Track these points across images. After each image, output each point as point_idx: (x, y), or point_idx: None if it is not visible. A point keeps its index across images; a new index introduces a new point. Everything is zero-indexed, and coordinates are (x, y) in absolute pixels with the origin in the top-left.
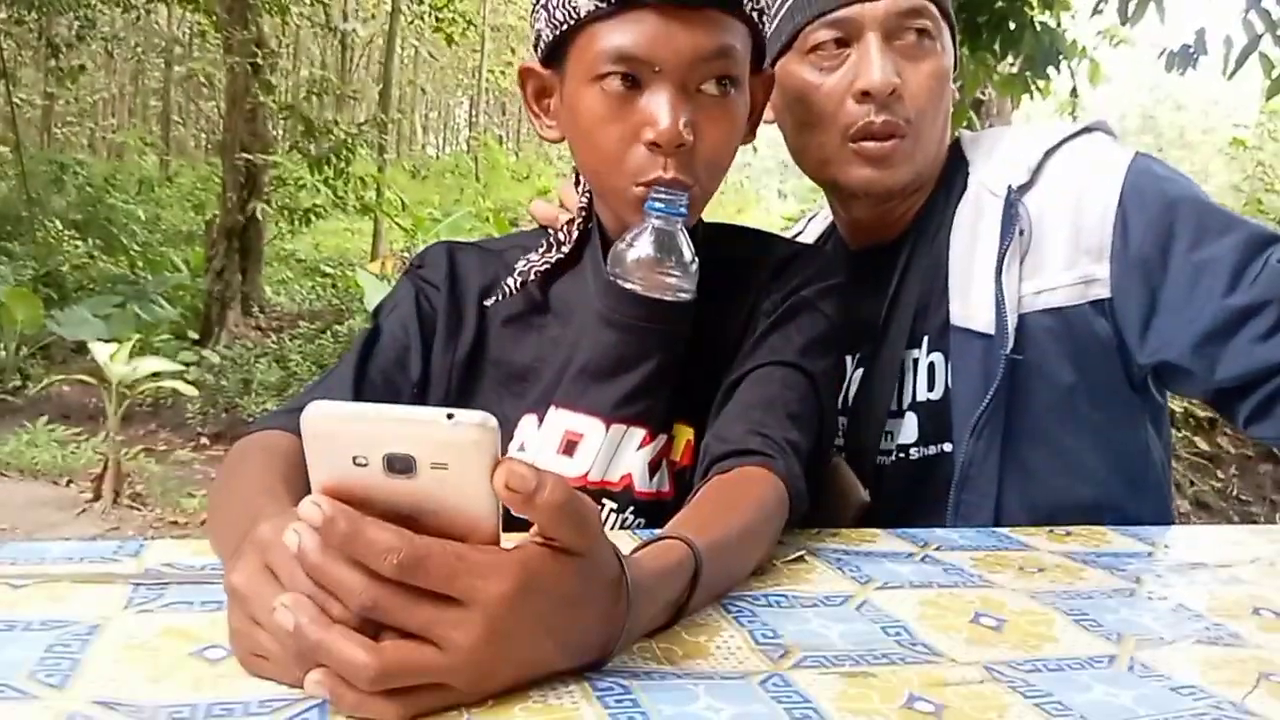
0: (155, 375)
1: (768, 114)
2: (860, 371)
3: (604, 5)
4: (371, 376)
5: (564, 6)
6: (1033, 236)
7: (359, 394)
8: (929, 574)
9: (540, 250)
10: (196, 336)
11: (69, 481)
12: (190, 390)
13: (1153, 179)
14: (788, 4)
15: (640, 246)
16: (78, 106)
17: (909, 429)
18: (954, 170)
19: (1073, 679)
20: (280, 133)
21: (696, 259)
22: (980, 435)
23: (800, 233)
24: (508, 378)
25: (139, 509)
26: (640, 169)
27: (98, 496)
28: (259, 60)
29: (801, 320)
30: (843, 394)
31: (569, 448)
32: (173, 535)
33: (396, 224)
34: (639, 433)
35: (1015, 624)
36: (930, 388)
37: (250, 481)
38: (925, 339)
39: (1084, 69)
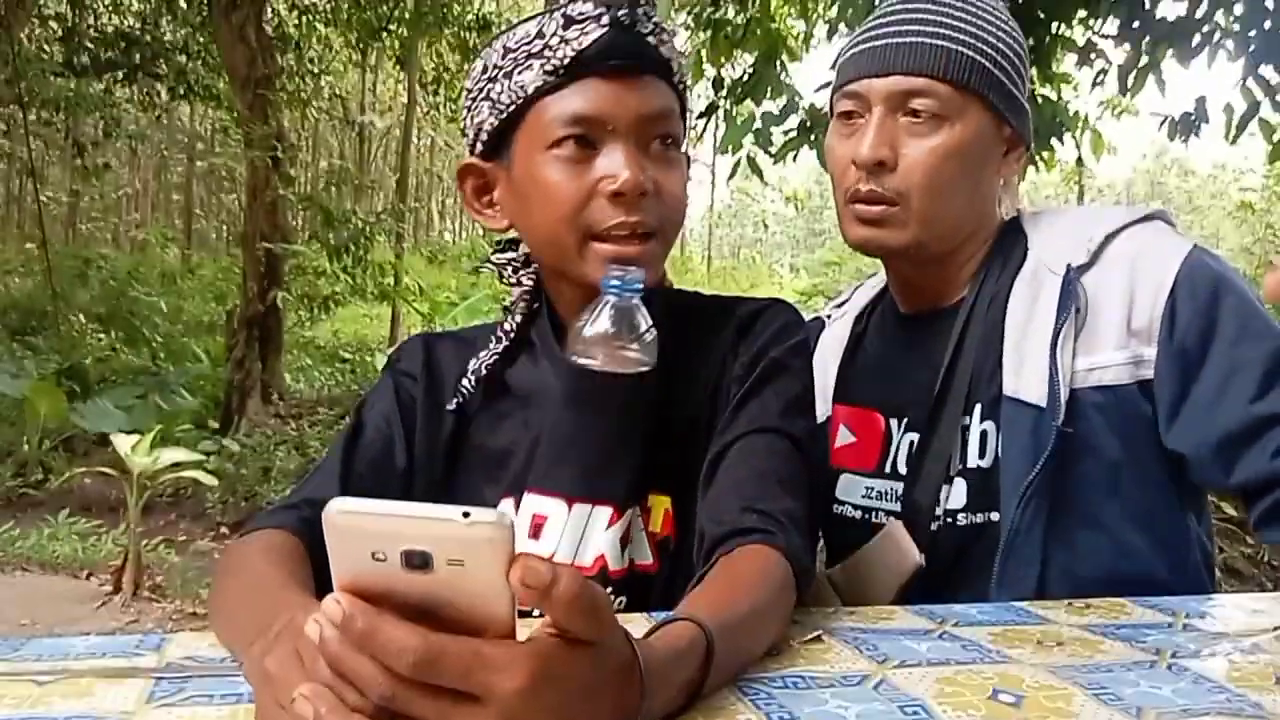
0: (176, 465)
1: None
2: (914, 436)
3: (553, 78)
4: (358, 469)
5: (509, 90)
6: (1088, 315)
7: (346, 487)
8: (947, 651)
9: (490, 346)
10: (217, 426)
11: (89, 574)
12: (210, 480)
13: (1206, 272)
14: (837, 75)
15: (599, 324)
16: (102, 203)
17: (958, 495)
18: (1012, 242)
19: None
20: (300, 223)
21: (654, 330)
22: (1027, 505)
23: (847, 299)
24: (487, 462)
25: (159, 601)
26: (600, 219)
27: (118, 589)
28: (279, 154)
29: (777, 384)
30: (891, 456)
31: (536, 530)
32: (192, 627)
33: (414, 309)
34: (605, 511)
35: (1034, 700)
36: (981, 455)
37: (263, 575)
38: (978, 407)
39: (1087, 139)
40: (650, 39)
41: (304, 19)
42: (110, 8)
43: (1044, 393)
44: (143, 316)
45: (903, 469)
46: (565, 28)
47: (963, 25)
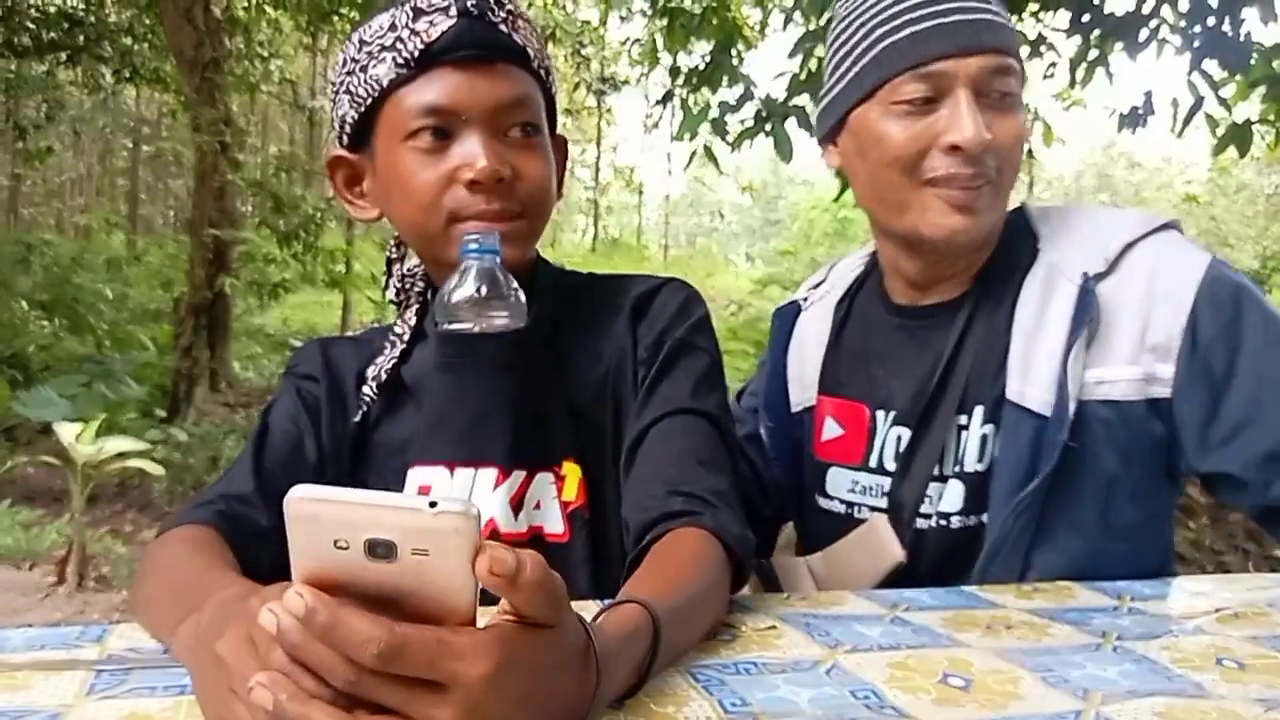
0: (122, 455)
1: (834, 159)
2: (902, 431)
3: (404, 70)
4: (269, 467)
5: (365, 83)
6: (1100, 326)
7: (260, 483)
8: (898, 636)
9: (386, 351)
10: (164, 414)
11: (32, 565)
12: (157, 470)
13: (1227, 286)
14: (871, 55)
15: (463, 288)
16: (45, 187)
17: (953, 497)
18: (1019, 240)
19: None
20: (249, 209)
21: (519, 290)
22: (1021, 514)
23: (821, 281)
24: (388, 455)
25: (104, 591)
26: (461, 206)
27: (62, 580)
28: (227, 138)
29: (684, 362)
30: (877, 450)
31: None
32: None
33: (366, 297)
34: (489, 473)
35: (983, 683)
36: (980, 459)
37: (188, 563)
38: (979, 409)
39: (1037, 130)
40: (503, 27)
41: (252, 1)
42: None
43: (1049, 401)
44: (87, 303)
45: (889, 464)
46: (415, 19)
47: (996, 2)
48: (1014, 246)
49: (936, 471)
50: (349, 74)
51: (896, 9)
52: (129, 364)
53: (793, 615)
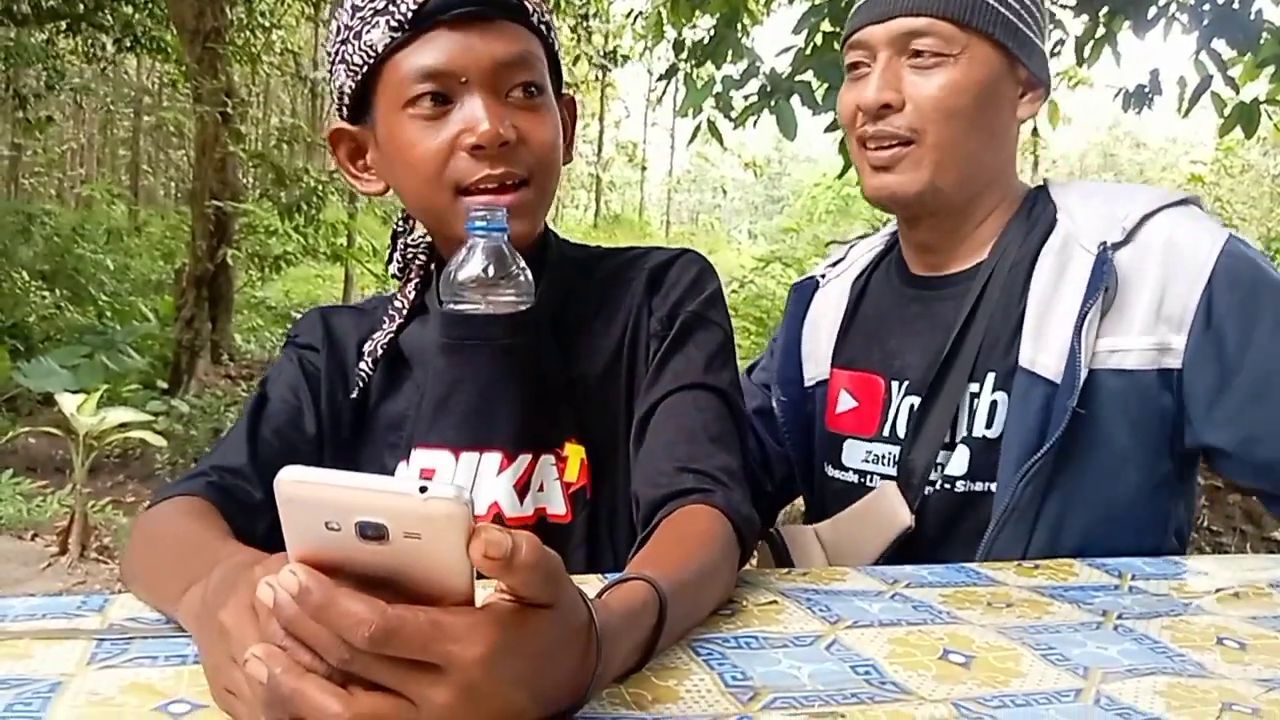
0: (123, 426)
1: None
2: (915, 399)
3: (399, 33)
4: (265, 436)
5: (360, 50)
6: (1117, 295)
7: (255, 454)
8: (898, 612)
9: (385, 325)
10: (166, 386)
11: (34, 535)
12: (159, 441)
13: (1246, 263)
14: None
15: (469, 267)
16: (45, 157)
17: (959, 462)
18: (1039, 210)
19: (1040, 714)
20: (250, 180)
21: (526, 269)
22: (1029, 483)
23: (842, 258)
24: (387, 430)
25: (106, 562)
26: (465, 174)
27: (64, 550)
28: (229, 109)
29: (697, 337)
30: (890, 419)
31: None
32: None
33: (368, 270)
34: (494, 457)
35: (983, 660)
36: (989, 425)
37: (186, 531)
38: (991, 376)
39: (1044, 110)
40: None
41: None
42: None
43: (1060, 369)
44: (88, 274)
45: (901, 432)
46: None
47: None
48: (1033, 216)
49: (947, 439)
50: (343, 42)
51: None
52: (130, 335)
53: (794, 590)
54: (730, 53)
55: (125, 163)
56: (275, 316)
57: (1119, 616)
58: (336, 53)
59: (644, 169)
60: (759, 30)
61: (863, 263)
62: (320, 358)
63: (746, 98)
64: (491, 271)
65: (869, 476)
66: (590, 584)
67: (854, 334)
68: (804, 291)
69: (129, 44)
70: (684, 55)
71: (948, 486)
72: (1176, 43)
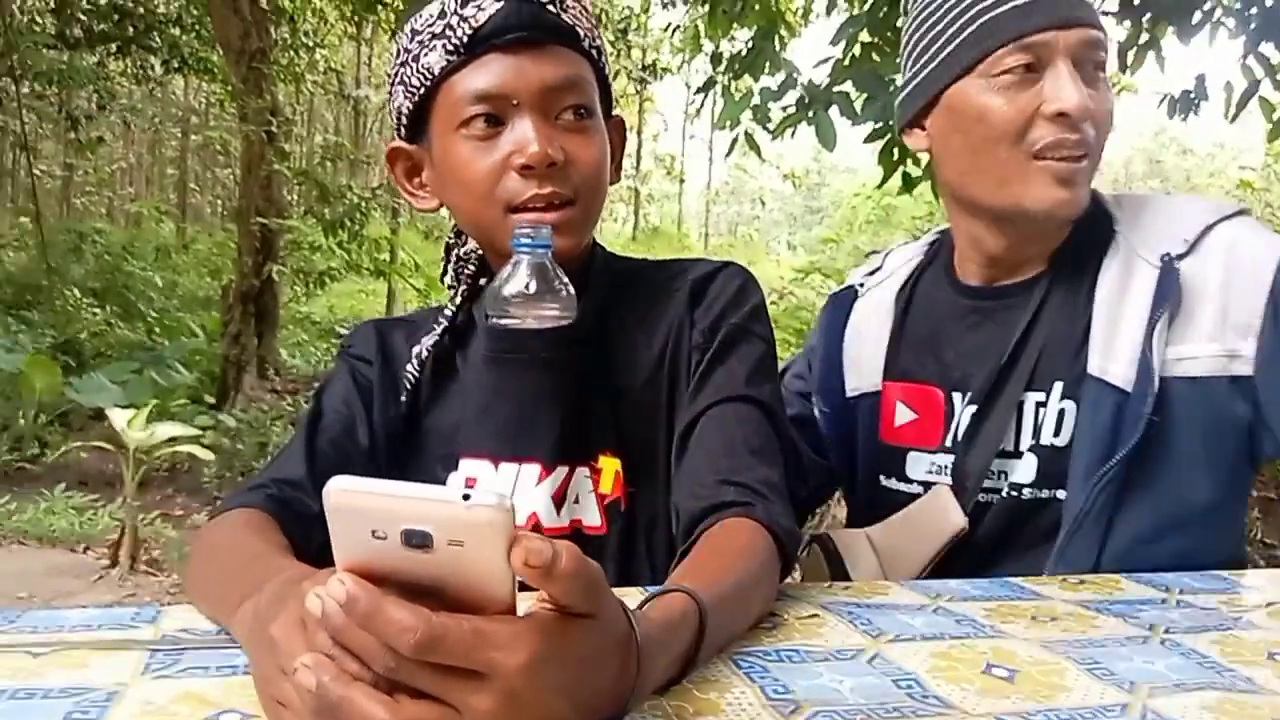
0: (172, 440)
1: (920, 141)
2: (973, 408)
3: (454, 57)
4: (322, 448)
5: (418, 73)
6: (1182, 303)
7: (312, 466)
8: (941, 625)
9: (432, 332)
10: (213, 401)
11: (86, 548)
12: (206, 455)
13: None
14: (970, 30)
15: (514, 283)
16: (96, 177)
17: (1025, 469)
18: (1096, 222)
19: None
20: (295, 198)
21: (569, 285)
22: (1103, 489)
23: (878, 268)
24: (437, 442)
25: (155, 574)
26: (514, 193)
27: (114, 563)
28: (274, 128)
29: (740, 350)
30: (953, 430)
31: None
32: (188, 600)
33: (410, 284)
34: (532, 468)
35: (1027, 674)
36: (1056, 433)
37: (245, 544)
38: (1059, 385)
39: None
40: (551, 8)
41: None
42: None
43: (1130, 377)
44: (138, 291)
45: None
46: (463, 5)
47: None
48: (1090, 229)
49: (1011, 446)
50: (402, 65)
51: None
52: (178, 351)
53: (835, 604)
54: (768, 64)
55: (173, 181)
56: (320, 331)
57: (1166, 630)
58: (396, 75)
59: (682, 181)
60: (796, 42)
61: (904, 273)
62: (373, 370)
63: (785, 109)
64: (535, 287)
65: (931, 488)
66: (631, 596)
67: (905, 346)
68: (843, 301)
69: (176, 65)
70: (721, 68)
71: (1014, 494)
72: (1223, 47)
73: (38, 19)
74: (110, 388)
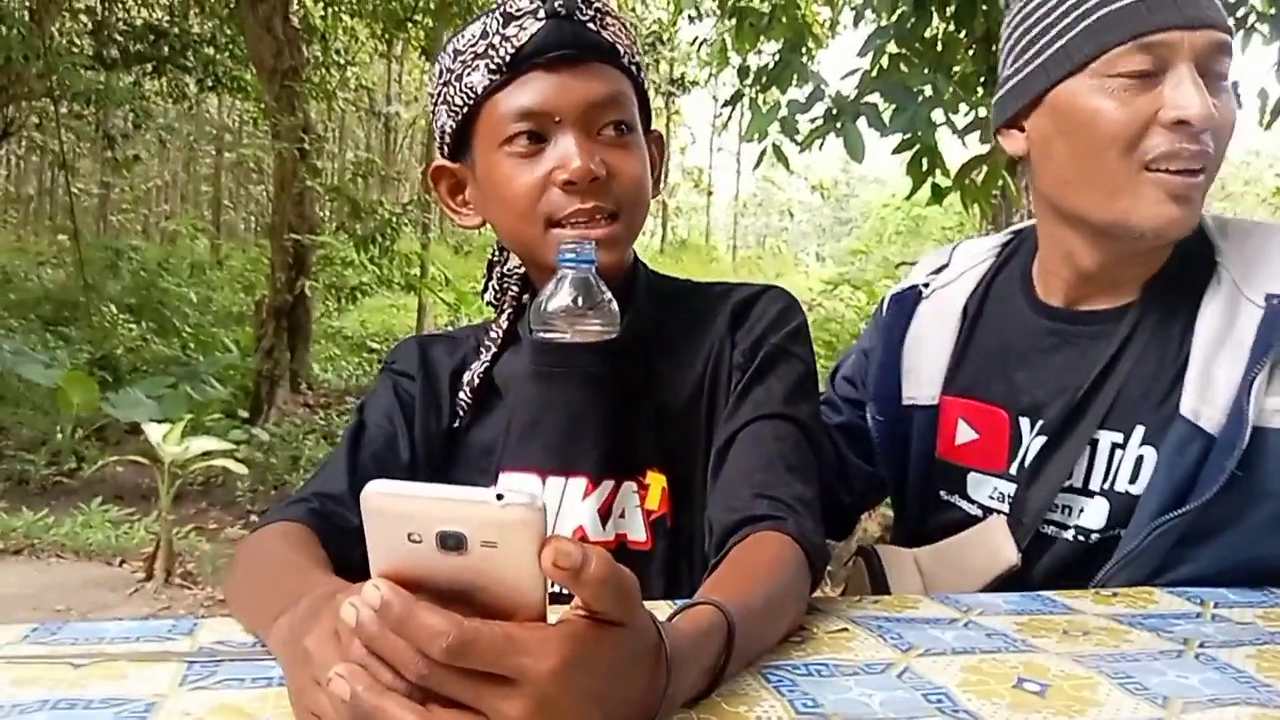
0: (207, 454)
1: (1018, 144)
2: (1042, 439)
3: (497, 76)
4: (363, 462)
5: (461, 92)
6: None
7: (353, 480)
8: (971, 640)
9: (481, 354)
10: (246, 415)
11: (122, 561)
12: (240, 469)
13: None
14: (1084, 24)
15: (558, 297)
16: (132, 194)
17: (1097, 513)
18: (1196, 251)
19: None
20: (327, 214)
21: (613, 299)
22: (1164, 534)
23: (944, 265)
24: (478, 456)
25: (190, 588)
26: (557, 208)
27: (150, 576)
28: (306, 145)
29: (780, 369)
30: (1021, 457)
31: None
32: (223, 613)
33: (440, 299)
34: (579, 482)
35: (1059, 689)
36: (1133, 480)
37: (284, 559)
38: (1140, 429)
39: None
40: (591, 25)
41: (330, 10)
42: (139, 1)
43: (1221, 421)
44: (173, 307)
45: None
46: (505, 25)
47: None
48: (1190, 258)
49: (1081, 485)
50: (445, 84)
51: None
52: (213, 365)
53: (864, 618)
54: (795, 77)
55: (208, 198)
56: (351, 346)
57: (1200, 645)
58: (439, 94)
59: (710, 194)
60: (823, 54)
61: (974, 274)
62: (415, 385)
63: (812, 121)
64: (579, 302)
65: (992, 514)
66: (661, 608)
67: (970, 360)
68: (906, 303)
69: (211, 84)
70: (749, 80)
71: (1082, 539)
72: (1256, 54)
73: (76, 40)
74: (146, 402)
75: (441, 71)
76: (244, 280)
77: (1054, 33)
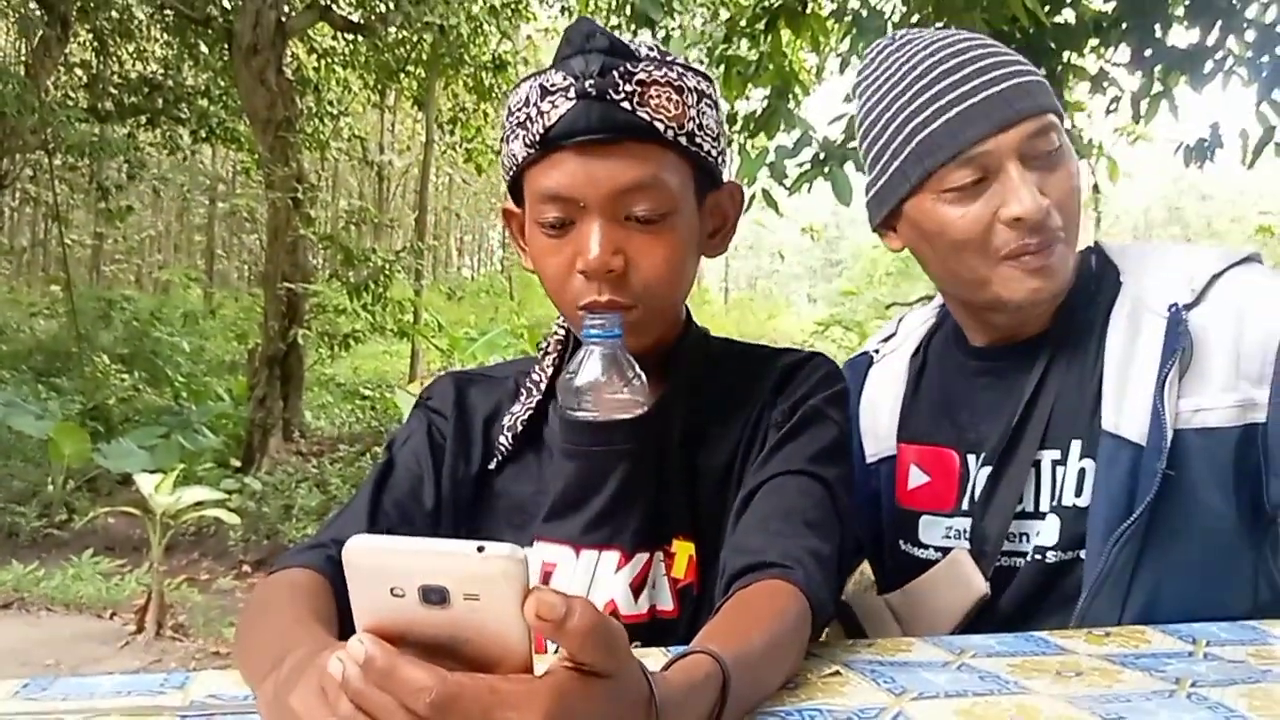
0: (198, 504)
1: (895, 243)
2: (987, 469)
3: (532, 150)
4: (386, 508)
5: (509, 155)
6: (1194, 355)
7: (373, 525)
8: (964, 682)
9: (522, 399)
10: (239, 464)
11: (112, 614)
12: (233, 518)
13: None
14: (910, 148)
15: (584, 374)
16: (125, 244)
17: (1049, 531)
18: (1099, 275)
19: None
20: (320, 262)
21: (641, 373)
22: (1123, 547)
23: (892, 334)
24: (511, 510)
25: (181, 640)
26: (579, 294)
27: (140, 629)
28: (299, 194)
29: (814, 429)
30: (969, 493)
31: (545, 579)
32: (215, 666)
33: (433, 345)
34: (612, 556)
35: None
36: (1078, 493)
37: (283, 615)
38: (1076, 444)
39: (1102, 166)
40: (625, 105)
41: (323, 62)
42: (134, 54)
43: (1144, 430)
44: (165, 356)
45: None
46: (541, 98)
47: (1013, 54)
48: (1095, 282)
49: (1032, 507)
50: (503, 140)
51: (924, 97)
52: (205, 414)
53: (857, 662)
54: (783, 123)
55: (201, 248)
56: (344, 393)
57: (1193, 684)
58: (503, 139)
59: None
60: (810, 100)
61: (917, 336)
62: (448, 425)
63: (800, 165)
64: (607, 378)
65: (948, 553)
66: (652, 657)
67: (918, 408)
68: (858, 368)
69: (205, 135)
70: (737, 127)
71: (1039, 558)
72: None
73: (71, 94)
74: (137, 453)
75: (504, 123)
76: (237, 329)
77: (889, 153)
